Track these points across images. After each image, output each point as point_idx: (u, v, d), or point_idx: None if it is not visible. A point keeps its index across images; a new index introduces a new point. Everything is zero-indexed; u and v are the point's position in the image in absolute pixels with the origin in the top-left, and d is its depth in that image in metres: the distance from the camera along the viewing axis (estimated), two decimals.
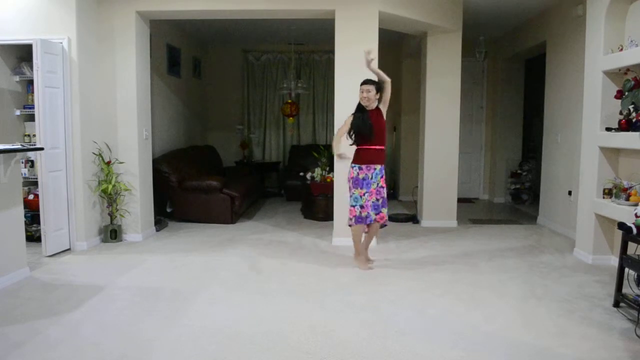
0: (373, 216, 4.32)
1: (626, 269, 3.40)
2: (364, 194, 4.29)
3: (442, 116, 6.12)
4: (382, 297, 3.66)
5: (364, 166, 4.28)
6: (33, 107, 4.70)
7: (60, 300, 3.56)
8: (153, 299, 3.60)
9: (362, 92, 4.26)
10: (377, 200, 4.31)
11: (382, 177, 4.32)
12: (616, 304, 3.45)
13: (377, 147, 4.27)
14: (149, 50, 5.62)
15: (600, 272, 4.27)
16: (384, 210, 4.36)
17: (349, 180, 4.36)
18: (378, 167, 4.29)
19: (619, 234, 3.88)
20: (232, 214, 6.28)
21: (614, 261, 4.26)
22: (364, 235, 4.50)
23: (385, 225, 4.49)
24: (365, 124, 4.23)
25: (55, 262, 4.53)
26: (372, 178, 4.28)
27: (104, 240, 5.25)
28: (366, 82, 4.30)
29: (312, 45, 8.72)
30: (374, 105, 4.29)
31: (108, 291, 3.76)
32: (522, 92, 8.04)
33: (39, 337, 2.94)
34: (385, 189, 4.36)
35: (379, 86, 4.27)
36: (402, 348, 2.83)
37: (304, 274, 4.23)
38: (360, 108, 4.32)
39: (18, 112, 5.09)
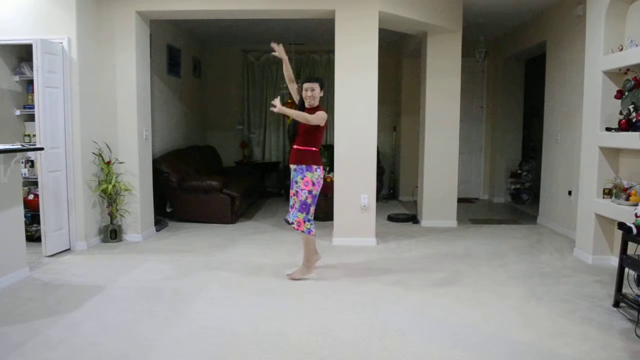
0: (288, 218, 4.05)
1: (626, 269, 3.41)
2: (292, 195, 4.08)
3: (442, 116, 6.11)
4: (382, 297, 3.66)
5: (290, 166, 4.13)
6: (33, 107, 4.70)
7: (60, 300, 3.56)
8: (153, 299, 3.60)
9: (307, 90, 4.01)
10: (295, 202, 4.03)
11: (302, 178, 3.97)
12: (616, 304, 3.45)
13: (297, 146, 4.02)
14: (149, 50, 5.61)
15: (600, 272, 4.27)
16: (291, 216, 4.02)
17: None
18: (292, 167, 4.03)
19: (619, 234, 3.87)
20: (232, 214, 6.28)
21: (614, 261, 4.26)
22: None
23: (294, 227, 4.04)
24: (293, 122, 4.05)
25: (55, 262, 4.53)
26: (293, 178, 4.08)
27: (104, 240, 5.25)
28: (310, 79, 4.07)
29: (312, 45, 8.72)
30: (315, 103, 4.08)
31: (108, 291, 3.76)
32: (522, 92, 8.03)
33: (39, 337, 2.94)
34: (304, 192, 3.95)
35: (322, 83, 4.10)
36: (402, 348, 2.83)
37: None
38: (301, 104, 4.13)
39: (18, 112, 5.09)
